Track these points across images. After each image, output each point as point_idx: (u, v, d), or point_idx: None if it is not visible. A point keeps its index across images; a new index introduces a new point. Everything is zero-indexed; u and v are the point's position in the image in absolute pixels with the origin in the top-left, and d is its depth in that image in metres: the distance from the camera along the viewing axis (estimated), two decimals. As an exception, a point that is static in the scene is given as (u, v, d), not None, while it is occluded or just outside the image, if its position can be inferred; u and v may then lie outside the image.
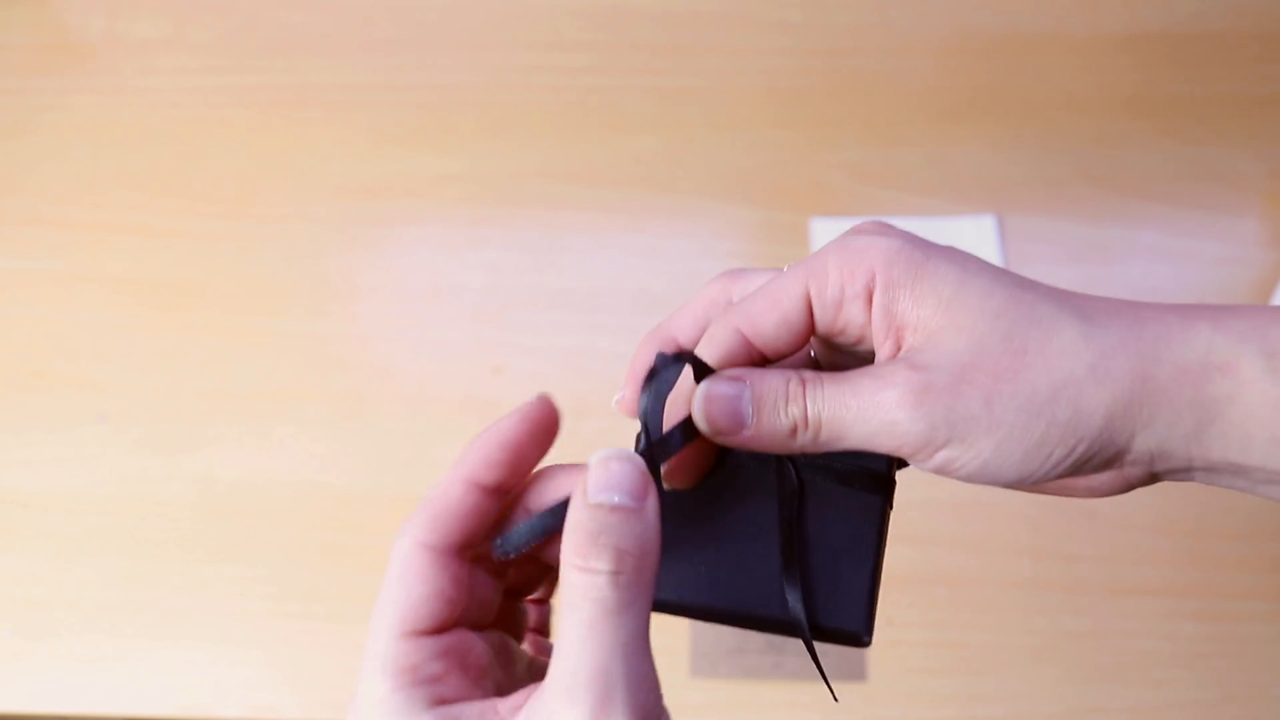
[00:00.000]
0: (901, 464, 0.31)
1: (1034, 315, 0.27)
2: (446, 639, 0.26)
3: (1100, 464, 0.27)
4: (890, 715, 0.62)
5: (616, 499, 0.25)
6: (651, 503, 0.26)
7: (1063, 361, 0.27)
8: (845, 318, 0.29)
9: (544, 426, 0.29)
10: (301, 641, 0.64)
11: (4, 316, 0.75)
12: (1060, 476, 0.28)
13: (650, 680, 0.24)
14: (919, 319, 0.28)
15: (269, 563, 0.66)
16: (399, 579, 0.26)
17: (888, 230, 0.29)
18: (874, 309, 0.28)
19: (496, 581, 0.30)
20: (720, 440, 0.29)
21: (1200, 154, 0.77)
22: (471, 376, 0.71)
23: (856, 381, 0.28)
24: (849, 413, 0.28)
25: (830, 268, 0.28)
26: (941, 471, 0.28)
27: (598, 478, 0.25)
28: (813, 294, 0.29)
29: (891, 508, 0.31)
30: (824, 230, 0.75)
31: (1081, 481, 0.29)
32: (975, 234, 0.74)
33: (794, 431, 0.28)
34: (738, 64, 0.82)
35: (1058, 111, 0.79)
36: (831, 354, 0.31)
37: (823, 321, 0.29)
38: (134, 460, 0.69)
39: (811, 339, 0.31)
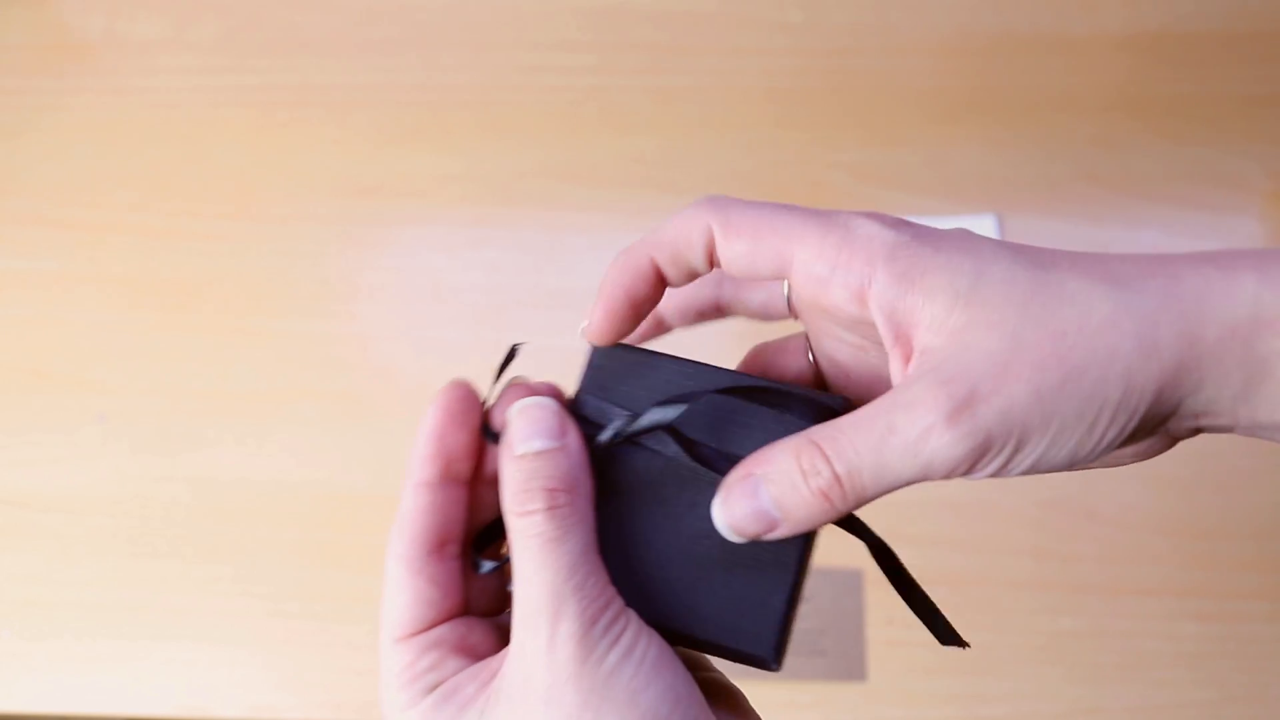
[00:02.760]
0: None
1: (1064, 294, 0.25)
2: (439, 632, 0.28)
3: (1147, 432, 0.26)
4: (891, 715, 0.62)
5: (539, 445, 0.27)
6: (572, 438, 0.28)
7: (1106, 338, 0.25)
8: (829, 299, 0.27)
9: (462, 407, 0.29)
10: (301, 641, 0.64)
11: (4, 316, 0.75)
12: (1109, 450, 0.26)
13: (598, 592, 0.26)
14: (932, 317, 0.25)
15: (269, 563, 0.66)
16: (386, 592, 0.28)
17: (887, 224, 0.27)
18: (875, 308, 0.26)
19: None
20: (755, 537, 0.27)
21: (1200, 154, 0.77)
22: (471, 376, 0.71)
23: (886, 419, 0.25)
24: (890, 455, 0.25)
25: (828, 243, 0.27)
26: (995, 475, 0.26)
27: (519, 429, 0.28)
28: (799, 259, 0.27)
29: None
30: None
31: (1129, 449, 0.28)
32: (975, 234, 0.74)
33: (827, 498, 0.26)
34: (738, 64, 0.82)
35: (1058, 111, 0.79)
36: (827, 336, 0.30)
37: (803, 295, 0.28)
38: (134, 460, 0.69)
39: (803, 321, 0.30)
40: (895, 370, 0.27)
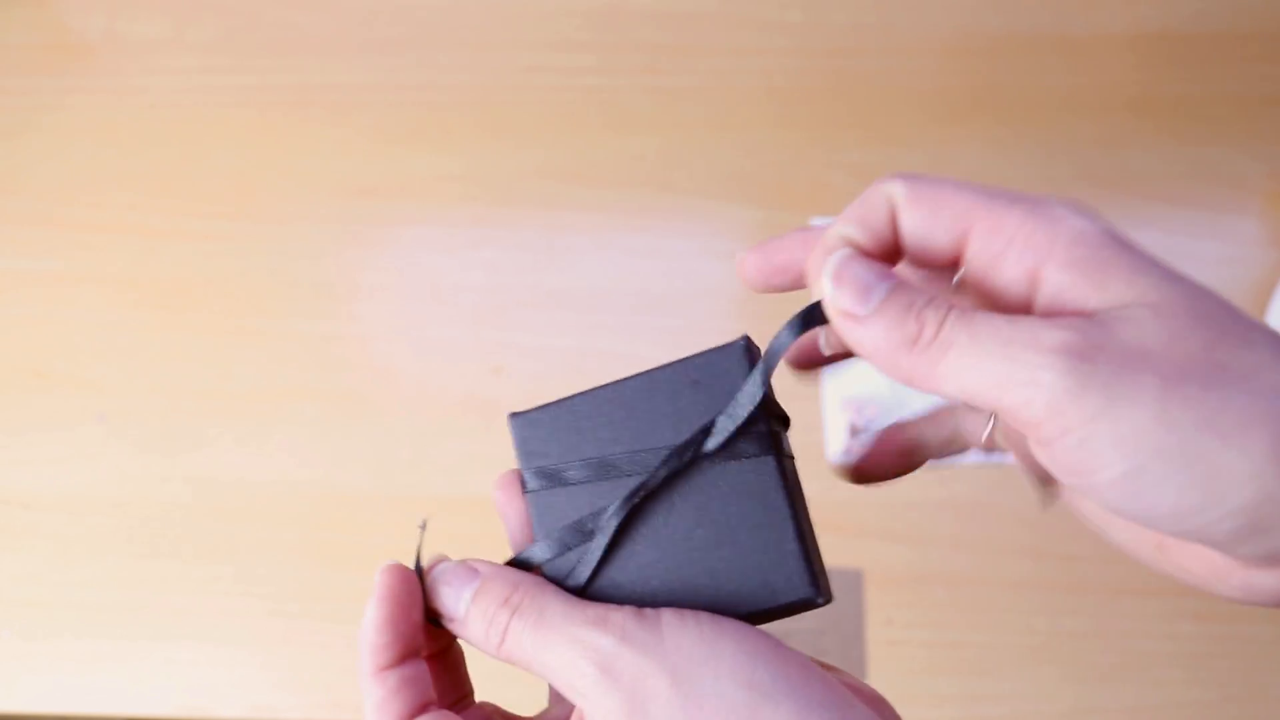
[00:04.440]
0: (784, 422, 0.30)
1: (1248, 339, 0.22)
2: None
3: (1276, 547, 0.22)
4: (890, 715, 0.62)
5: (467, 594, 0.28)
6: (483, 565, 0.28)
7: (1273, 400, 0.21)
8: (1001, 276, 0.25)
9: (405, 589, 0.29)
10: (301, 641, 0.64)
11: (4, 316, 0.75)
12: (1224, 537, 0.22)
13: (607, 611, 0.26)
14: (1101, 301, 0.23)
15: (269, 563, 0.66)
16: None
17: (1080, 211, 0.25)
18: (1044, 291, 0.24)
19: None
20: (833, 317, 0.25)
21: (1200, 154, 0.77)
22: (471, 376, 0.71)
23: (1014, 318, 0.23)
24: (989, 345, 0.22)
25: (1012, 216, 0.24)
26: (1072, 468, 0.22)
27: (444, 601, 0.28)
28: (977, 229, 0.25)
29: (791, 457, 0.30)
30: (824, 230, 0.75)
31: (1238, 574, 0.24)
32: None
33: (915, 340, 0.24)
34: (738, 64, 0.82)
35: (1058, 111, 0.79)
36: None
37: (974, 269, 0.25)
38: (134, 460, 0.69)
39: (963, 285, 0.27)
40: None
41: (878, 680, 0.62)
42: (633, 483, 0.29)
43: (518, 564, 0.30)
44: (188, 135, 0.80)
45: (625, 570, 0.29)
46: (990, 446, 0.30)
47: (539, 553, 0.29)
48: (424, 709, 0.28)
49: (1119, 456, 0.21)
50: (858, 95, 0.80)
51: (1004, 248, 0.24)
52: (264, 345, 0.73)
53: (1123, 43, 0.81)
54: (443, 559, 0.29)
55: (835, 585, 0.65)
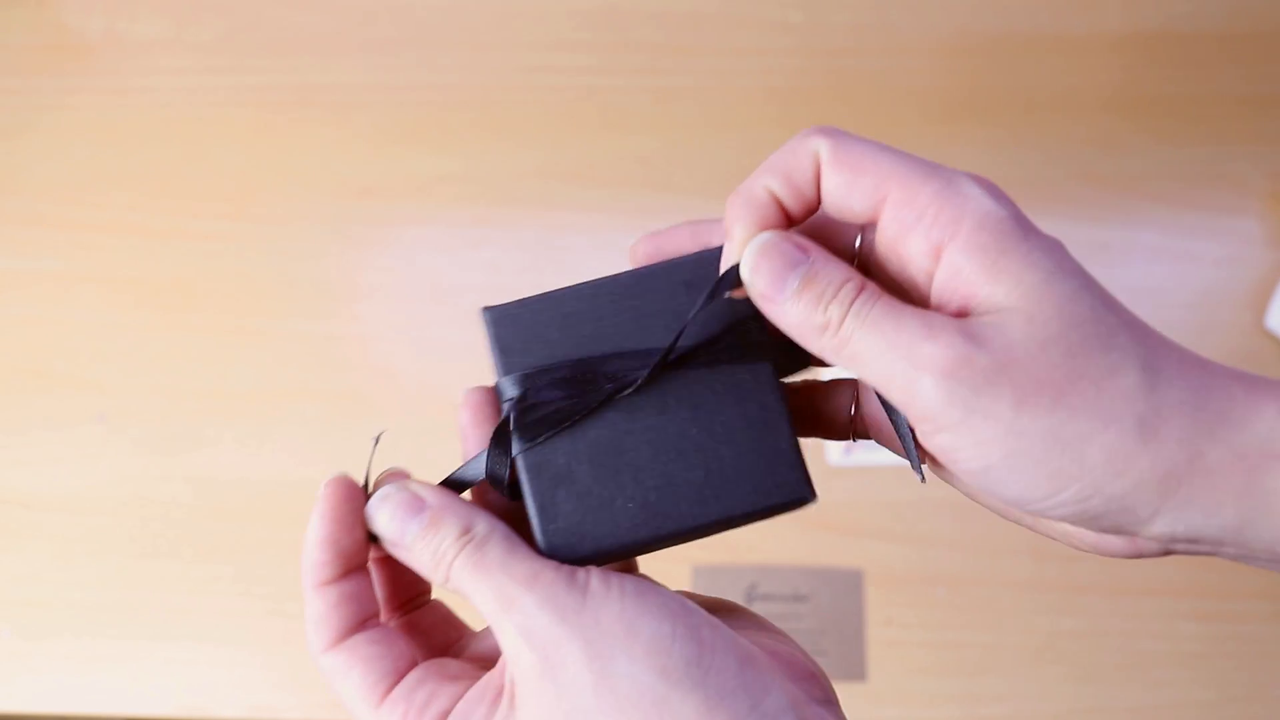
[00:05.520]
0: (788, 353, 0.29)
1: (1109, 343, 0.24)
2: (415, 674, 0.27)
3: (1109, 527, 0.25)
4: (890, 715, 0.62)
5: (414, 529, 0.27)
6: (433, 497, 0.27)
7: (1115, 405, 0.24)
8: (907, 247, 0.26)
9: (347, 508, 0.28)
10: (301, 641, 0.64)
11: (4, 316, 0.75)
12: (1063, 520, 0.26)
13: (539, 565, 0.26)
14: (989, 295, 0.25)
15: (269, 563, 0.66)
16: (337, 682, 0.27)
17: (990, 193, 0.26)
18: (944, 265, 0.25)
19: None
20: (752, 295, 0.27)
21: (1199, 154, 0.77)
22: (471, 376, 0.71)
23: (905, 318, 0.25)
24: (881, 344, 0.25)
25: (926, 190, 0.25)
26: (938, 456, 0.26)
27: (386, 529, 0.27)
28: (892, 198, 0.26)
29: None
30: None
31: (1090, 536, 0.27)
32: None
33: (823, 330, 0.26)
34: (738, 64, 0.82)
35: (1056, 111, 0.79)
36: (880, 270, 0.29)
37: (883, 237, 0.27)
38: (134, 460, 0.69)
39: (870, 266, 0.28)
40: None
41: (878, 680, 0.62)
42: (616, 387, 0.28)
43: (464, 482, 0.29)
44: (188, 135, 0.80)
45: (620, 470, 0.28)
46: (854, 430, 0.31)
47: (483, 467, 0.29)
48: (363, 624, 0.28)
49: (976, 455, 0.24)
50: (858, 95, 0.80)
51: (914, 221, 0.26)
52: (264, 345, 0.73)
53: (1121, 43, 0.81)
54: (394, 475, 0.29)
55: (835, 585, 0.65)
